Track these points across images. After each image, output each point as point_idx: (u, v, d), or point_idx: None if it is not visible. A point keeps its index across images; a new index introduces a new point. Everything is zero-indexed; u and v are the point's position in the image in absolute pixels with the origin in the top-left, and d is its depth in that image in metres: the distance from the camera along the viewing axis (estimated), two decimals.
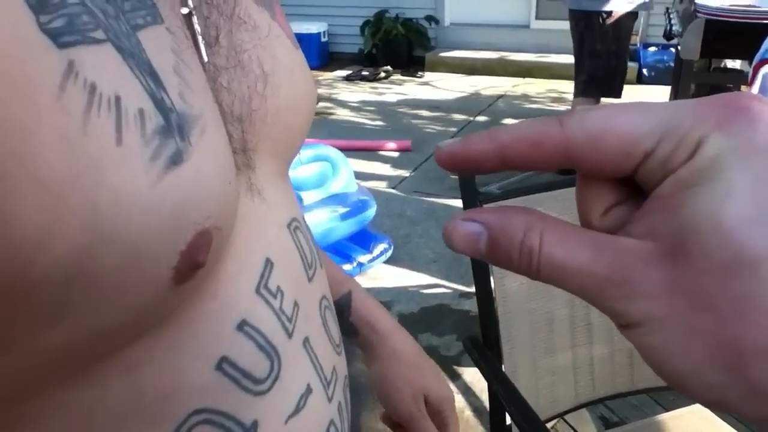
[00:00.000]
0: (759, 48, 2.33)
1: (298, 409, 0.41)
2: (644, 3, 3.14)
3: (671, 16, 3.15)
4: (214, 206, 0.33)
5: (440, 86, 5.59)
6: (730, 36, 2.40)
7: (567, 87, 5.10)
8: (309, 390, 0.42)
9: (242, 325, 0.37)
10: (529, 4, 6.12)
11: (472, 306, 2.35)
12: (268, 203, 0.42)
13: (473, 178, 1.10)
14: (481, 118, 4.64)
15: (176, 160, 0.30)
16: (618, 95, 3.32)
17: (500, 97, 5.17)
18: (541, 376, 1.21)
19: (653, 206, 0.20)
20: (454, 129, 4.40)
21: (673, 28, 3.00)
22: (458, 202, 1.09)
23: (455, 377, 2.03)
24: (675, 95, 3.10)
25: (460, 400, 1.92)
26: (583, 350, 1.24)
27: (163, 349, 0.34)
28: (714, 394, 0.19)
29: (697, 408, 1.30)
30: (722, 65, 3.38)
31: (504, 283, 1.15)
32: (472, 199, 1.10)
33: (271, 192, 0.43)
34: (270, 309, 0.39)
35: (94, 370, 0.32)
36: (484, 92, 5.29)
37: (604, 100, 3.34)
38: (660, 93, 4.88)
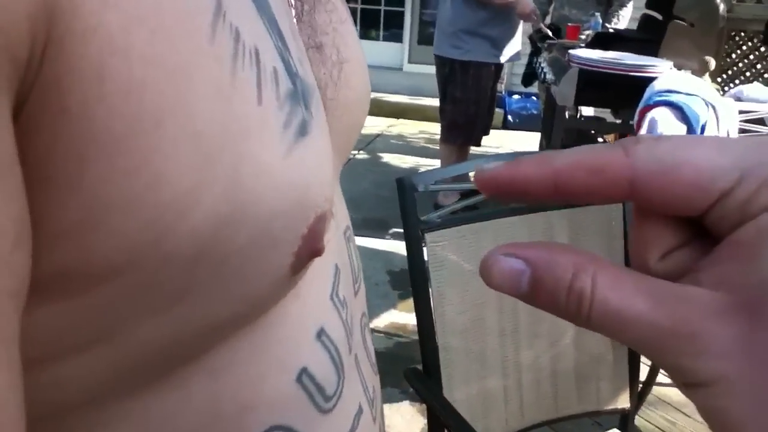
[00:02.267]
0: (624, 97, 2.55)
1: (353, 429, 0.37)
2: (510, 56, 3.34)
3: (543, 65, 3.37)
4: (329, 189, 0.30)
5: None
6: (599, 85, 2.60)
7: (439, 130, 5.31)
8: (360, 410, 0.39)
9: (320, 334, 0.34)
10: (402, 47, 6.34)
11: None
12: (334, 205, 0.38)
13: (414, 206, 1.09)
14: (361, 156, 4.68)
15: (303, 130, 0.27)
16: (477, 143, 3.47)
17: (377, 136, 5.26)
18: (475, 406, 1.21)
19: (727, 253, 0.19)
20: None
21: (547, 76, 3.20)
22: None
23: None
24: (548, 140, 3.30)
25: None
26: (512, 380, 1.26)
27: (247, 353, 0.30)
28: None
29: None
30: (578, 114, 3.65)
31: (444, 314, 1.14)
32: (414, 227, 1.09)
33: (336, 192, 0.39)
34: (340, 319, 0.36)
35: (177, 373, 0.28)
36: (361, 131, 5.34)
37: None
38: (526, 138, 5.19)
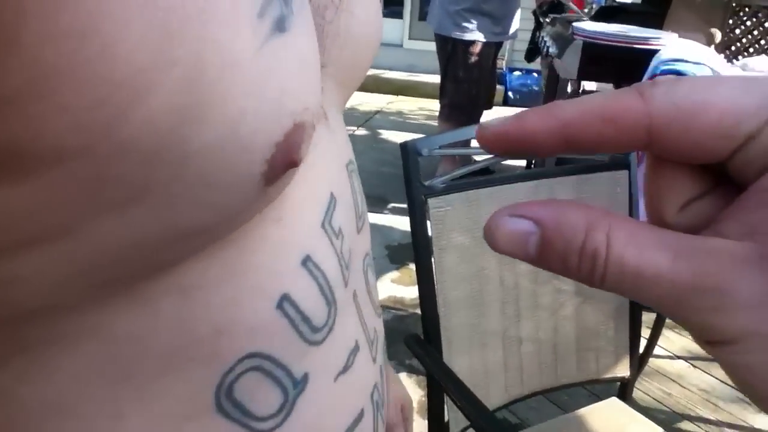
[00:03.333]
0: (627, 70, 2.53)
1: (346, 367, 0.36)
2: (510, 34, 3.30)
3: (545, 39, 3.33)
4: (311, 98, 0.27)
5: None
6: (603, 59, 2.58)
7: (437, 106, 5.28)
8: (357, 347, 0.37)
9: (306, 261, 0.32)
10: (402, 23, 6.27)
11: None
12: (332, 133, 0.36)
13: (418, 170, 1.07)
14: (361, 132, 4.66)
15: (281, 25, 0.25)
16: (478, 122, 3.39)
17: (377, 112, 5.23)
18: (475, 375, 1.21)
19: (754, 201, 0.18)
20: None
21: (550, 49, 3.17)
22: None
23: None
24: None
25: None
26: (512, 350, 1.25)
27: (221, 274, 0.28)
28: None
29: (613, 401, 1.35)
30: (581, 89, 3.62)
31: (445, 281, 1.14)
32: (417, 191, 1.08)
33: (334, 122, 0.37)
34: (333, 249, 0.34)
35: (145, 288, 0.26)
36: (360, 108, 5.31)
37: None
38: None
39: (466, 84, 3.28)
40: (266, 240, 0.30)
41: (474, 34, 3.15)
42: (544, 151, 0.19)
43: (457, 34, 3.16)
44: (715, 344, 0.17)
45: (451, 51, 3.24)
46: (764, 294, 0.16)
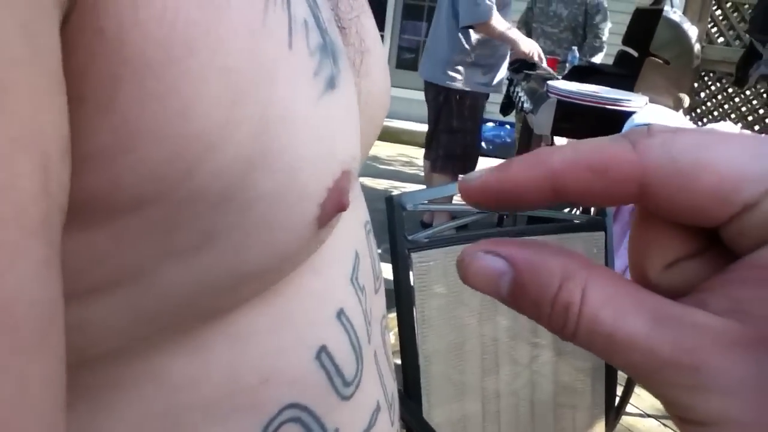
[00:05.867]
0: (599, 129, 2.61)
1: (370, 426, 0.36)
2: (496, 85, 3.34)
3: (520, 94, 3.42)
4: (355, 148, 0.30)
5: None
6: (574, 117, 2.65)
7: (414, 152, 5.34)
8: (378, 407, 0.37)
9: (340, 315, 0.33)
10: None
11: None
12: (353, 194, 0.38)
13: (402, 225, 1.09)
14: None
15: (332, 83, 0.28)
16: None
17: None
18: (453, 428, 1.21)
19: (744, 276, 0.16)
20: None
21: (524, 105, 3.25)
22: None
23: None
24: None
25: None
26: (491, 405, 1.26)
27: (268, 323, 0.30)
28: None
29: None
30: (552, 143, 3.71)
31: (427, 336, 1.14)
32: (401, 246, 1.09)
33: (355, 181, 0.39)
34: (359, 304, 0.35)
35: (199, 334, 0.27)
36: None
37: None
38: None
39: (460, 134, 3.25)
40: (307, 291, 0.31)
41: (468, 84, 3.14)
42: (530, 204, 0.18)
43: (451, 84, 3.14)
44: (687, 422, 0.16)
45: (443, 101, 3.21)
46: (743, 380, 0.15)
